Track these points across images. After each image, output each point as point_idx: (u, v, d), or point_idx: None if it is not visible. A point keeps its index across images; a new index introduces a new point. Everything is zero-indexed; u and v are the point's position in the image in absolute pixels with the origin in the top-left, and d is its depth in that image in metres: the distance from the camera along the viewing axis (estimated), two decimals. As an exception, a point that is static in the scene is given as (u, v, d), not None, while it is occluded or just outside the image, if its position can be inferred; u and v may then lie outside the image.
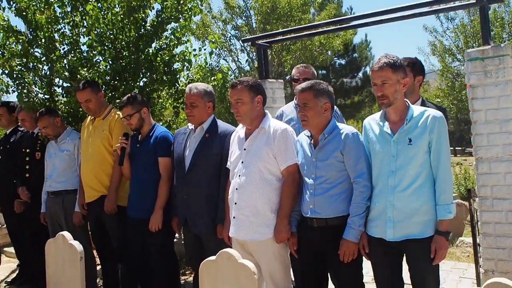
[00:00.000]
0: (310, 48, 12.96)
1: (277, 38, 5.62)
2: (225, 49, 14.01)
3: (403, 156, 2.84)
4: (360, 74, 21.32)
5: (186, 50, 5.76)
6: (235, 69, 14.21)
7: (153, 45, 5.43)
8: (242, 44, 13.32)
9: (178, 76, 5.68)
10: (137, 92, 4.75)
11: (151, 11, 5.13)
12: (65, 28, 5.18)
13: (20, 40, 4.89)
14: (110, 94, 5.15)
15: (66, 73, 4.84)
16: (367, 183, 2.99)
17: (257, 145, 3.34)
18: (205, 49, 5.90)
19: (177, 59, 5.42)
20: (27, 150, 5.23)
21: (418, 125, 2.83)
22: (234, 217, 3.37)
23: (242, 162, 3.37)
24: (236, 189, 3.36)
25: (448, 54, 18.37)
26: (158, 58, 5.03)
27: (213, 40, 5.87)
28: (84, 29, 5.04)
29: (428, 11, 4.93)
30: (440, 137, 2.81)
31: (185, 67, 5.81)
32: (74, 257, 3.68)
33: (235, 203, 3.35)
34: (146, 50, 5.13)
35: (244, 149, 3.39)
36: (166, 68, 5.16)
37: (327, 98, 3.14)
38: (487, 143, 4.00)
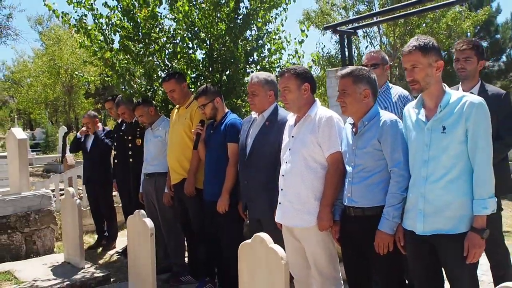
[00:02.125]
0: (437, 31, 12.15)
1: (361, 24, 5.46)
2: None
3: (436, 145, 2.67)
4: (504, 57, 19.38)
5: (279, 41, 5.91)
6: (356, 56, 13.88)
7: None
8: (364, 31, 13.00)
9: (272, 66, 5.85)
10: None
11: (236, 5, 5.32)
12: (162, 24, 5.61)
13: (120, 36, 5.42)
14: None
15: (162, 65, 5.27)
16: (404, 173, 2.86)
17: (303, 132, 3.37)
18: (295, 39, 5.95)
19: (263, 50, 5.56)
20: (129, 138, 5.80)
21: (454, 112, 2.63)
22: (280, 203, 3.44)
23: (290, 149, 3.42)
24: (283, 175, 3.43)
25: None
26: (239, 49, 5.20)
27: (303, 29, 5.88)
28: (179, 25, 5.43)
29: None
30: (477, 126, 2.57)
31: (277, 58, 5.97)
32: (146, 232, 4.08)
33: (281, 189, 3.43)
34: (234, 42, 5.34)
35: (292, 136, 3.44)
36: (249, 58, 5.32)
37: (367, 85, 3.05)
38: None
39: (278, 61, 6.09)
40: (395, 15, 5.54)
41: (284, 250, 3.39)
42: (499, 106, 3.57)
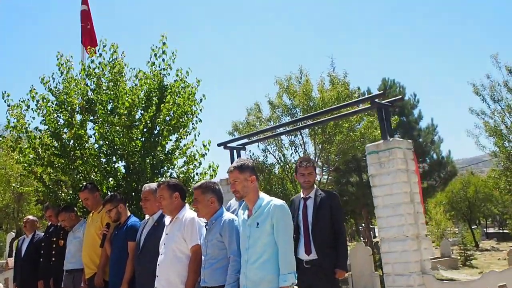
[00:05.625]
0: (353, 138, 13.78)
1: (249, 140, 6.74)
2: (273, 144, 15.29)
3: (253, 237, 3.73)
4: (427, 159, 21.35)
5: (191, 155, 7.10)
6: (283, 164, 15.39)
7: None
8: (289, 139, 14.63)
9: (185, 175, 6.99)
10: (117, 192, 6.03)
11: (147, 127, 6.52)
12: (88, 142, 6.73)
13: (48, 154, 6.48)
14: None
15: (86, 176, 6.31)
16: (237, 258, 3.87)
17: (173, 230, 4.38)
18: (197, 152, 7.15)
19: (173, 162, 6.71)
20: (54, 239, 6.64)
21: (264, 212, 3.73)
22: (155, 287, 4.35)
23: (164, 244, 4.40)
24: (158, 264, 4.37)
25: (498, 135, 18.48)
26: (146, 163, 6.31)
27: (205, 144, 7.09)
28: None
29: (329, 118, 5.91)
30: (279, 221, 3.66)
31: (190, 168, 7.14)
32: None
33: (157, 276, 4.35)
34: (143, 158, 6.46)
35: (166, 234, 4.44)
36: (155, 170, 6.42)
37: (212, 193, 4.14)
38: (386, 225, 4.67)
39: (192, 170, 7.26)
40: (288, 129, 6.82)
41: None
42: (331, 203, 4.74)
